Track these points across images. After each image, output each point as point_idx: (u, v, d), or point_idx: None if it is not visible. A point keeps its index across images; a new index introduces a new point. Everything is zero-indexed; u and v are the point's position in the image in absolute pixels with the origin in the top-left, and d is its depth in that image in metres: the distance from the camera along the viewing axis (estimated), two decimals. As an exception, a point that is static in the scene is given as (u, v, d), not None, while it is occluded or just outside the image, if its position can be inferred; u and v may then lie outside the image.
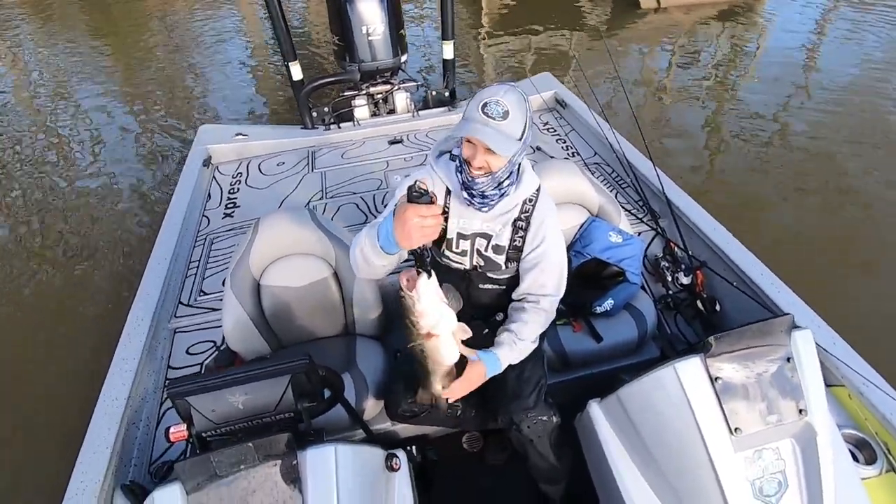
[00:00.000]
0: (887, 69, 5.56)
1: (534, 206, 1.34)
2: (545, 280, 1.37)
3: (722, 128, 4.69)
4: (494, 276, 1.42)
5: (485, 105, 1.12)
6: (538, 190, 1.35)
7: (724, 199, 3.61)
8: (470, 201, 1.27)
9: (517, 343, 1.34)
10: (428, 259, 1.07)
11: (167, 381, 1.82)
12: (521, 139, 1.17)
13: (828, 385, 1.52)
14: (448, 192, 1.34)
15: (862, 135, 4.40)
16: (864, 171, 3.96)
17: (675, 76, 5.75)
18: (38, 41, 7.29)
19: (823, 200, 3.69)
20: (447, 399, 1.28)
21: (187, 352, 1.93)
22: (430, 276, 1.04)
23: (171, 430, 1.06)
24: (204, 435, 1.07)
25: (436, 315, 1.08)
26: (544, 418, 1.38)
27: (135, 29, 7.57)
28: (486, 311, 1.49)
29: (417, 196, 0.97)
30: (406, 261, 1.28)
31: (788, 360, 1.17)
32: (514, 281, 1.43)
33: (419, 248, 1.03)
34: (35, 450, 2.35)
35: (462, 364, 1.25)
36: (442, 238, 1.37)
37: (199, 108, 5.32)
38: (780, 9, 7.42)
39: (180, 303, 2.13)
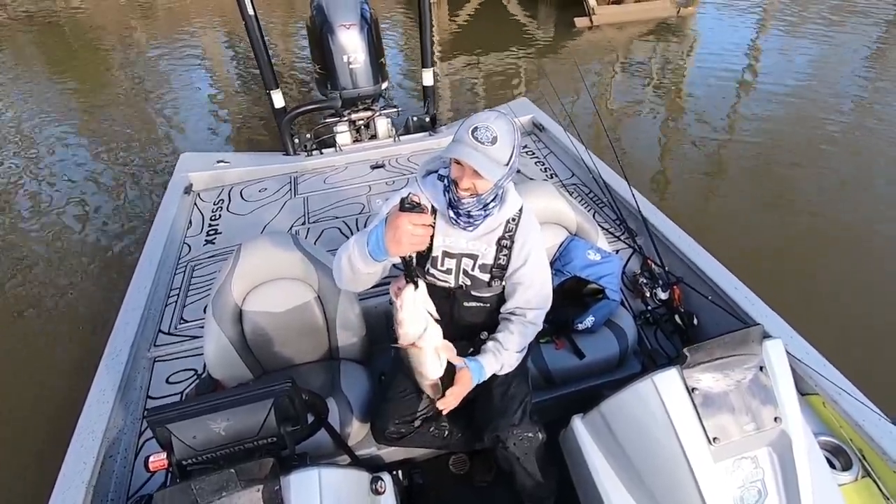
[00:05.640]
0: (816, 78, 6.00)
1: (517, 225, 1.38)
2: (531, 296, 1.42)
3: (671, 138, 5.01)
4: (479, 295, 1.44)
5: (475, 129, 1.17)
6: (521, 210, 1.39)
7: (685, 212, 3.78)
8: (456, 221, 1.31)
9: (501, 352, 1.39)
10: (415, 268, 1.09)
11: (146, 412, 1.78)
12: (507, 164, 1.21)
13: (803, 394, 1.57)
14: (434, 210, 1.37)
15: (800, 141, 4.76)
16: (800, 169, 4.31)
17: (618, 90, 6.04)
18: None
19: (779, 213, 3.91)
20: (441, 411, 1.32)
21: (167, 381, 1.90)
22: (416, 287, 1.08)
23: (151, 458, 1.04)
24: (184, 463, 1.05)
25: (417, 327, 1.11)
26: (530, 435, 1.39)
27: (97, 64, 7.51)
28: (470, 330, 1.51)
29: (410, 207, 1.02)
30: (390, 276, 1.31)
31: (761, 369, 1.20)
32: (500, 299, 1.47)
33: (408, 257, 1.06)
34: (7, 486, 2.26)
35: (451, 376, 1.28)
36: (427, 255, 1.39)
37: (174, 139, 5.31)
38: (708, 24, 7.95)
39: (160, 331, 2.09)
